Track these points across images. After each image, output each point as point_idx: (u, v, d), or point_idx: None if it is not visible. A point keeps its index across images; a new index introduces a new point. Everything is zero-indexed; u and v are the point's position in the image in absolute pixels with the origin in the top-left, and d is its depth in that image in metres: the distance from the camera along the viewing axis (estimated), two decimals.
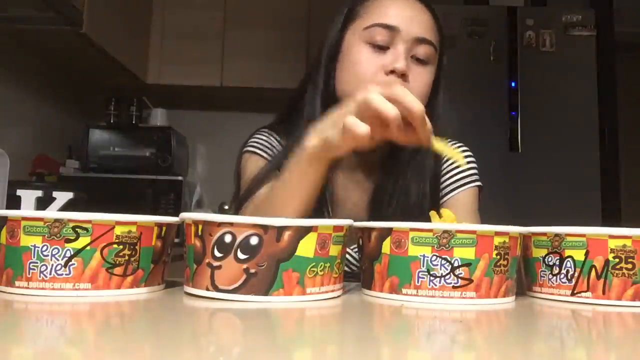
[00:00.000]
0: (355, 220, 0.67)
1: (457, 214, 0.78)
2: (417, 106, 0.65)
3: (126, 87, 2.66)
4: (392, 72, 0.83)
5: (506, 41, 2.38)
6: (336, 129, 0.68)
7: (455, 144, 0.99)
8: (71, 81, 2.58)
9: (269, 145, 0.97)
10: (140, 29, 2.56)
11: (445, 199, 0.94)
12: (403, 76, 0.84)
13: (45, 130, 2.44)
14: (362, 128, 0.65)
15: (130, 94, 2.67)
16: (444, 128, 0.90)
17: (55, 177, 2.30)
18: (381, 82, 0.82)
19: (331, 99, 0.88)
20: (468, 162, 0.97)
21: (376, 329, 0.51)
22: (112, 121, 2.60)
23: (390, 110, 0.64)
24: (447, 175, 0.96)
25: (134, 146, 2.50)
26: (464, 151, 0.99)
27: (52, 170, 2.32)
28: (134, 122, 2.64)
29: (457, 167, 0.96)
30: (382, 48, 0.85)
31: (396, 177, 0.91)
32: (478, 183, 0.97)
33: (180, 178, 2.44)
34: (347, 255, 0.93)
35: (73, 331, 0.45)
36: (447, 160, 0.96)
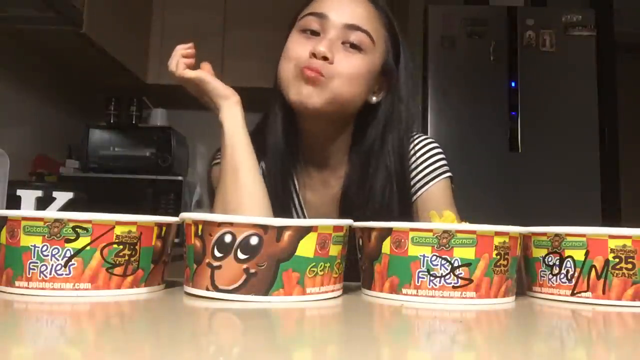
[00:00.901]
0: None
1: (432, 208, 0.83)
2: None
3: (126, 87, 2.66)
4: (314, 55, 0.84)
5: (506, 41, 2.38)
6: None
7: (420, 136, 0.98)
8: (71, 81, 2.58)
9: None
10: (140, 29, 2.55)
11: (418, 194, 0.94)
12: (325, 59, 0.84)
13: (45, 130, 2.44)
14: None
15: (130, 94, 2.67)
16: (408, 123, 0.93)
17: (55, 177, 2.30)
18: (303, 61, 0.85)
19: (286, 110, 0.92)
20: (436, 154, 0.96)
21: (376, 329, 0.51)
22: (112, 121, 2.60)
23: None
24: (417, 171, 0.95)
25: (134, 146, 2.50)
26: (429, 143, 0.97)
27: (52, 170, 2.31)
28: (134, 122, 2.64)
29: (425, 161, 0.95)
30: (314, 34, 0.88)
31: (361, 177, 0.91)
32: (448, 174, 0.96)
33: (180, 178, 2.43)
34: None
35: (73, 331, 0.45)
36: (412, 156, 0.96)
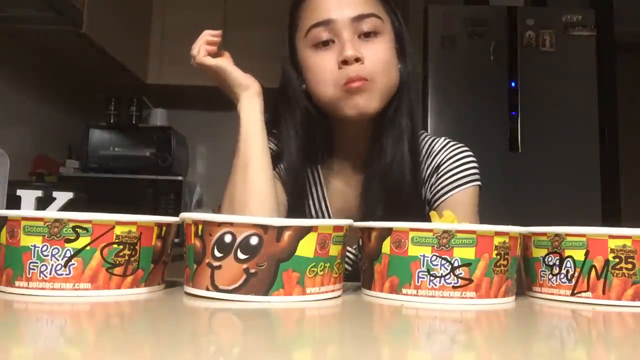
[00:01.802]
0: (350, 216, 0.71)
1: (456, 213, 0.78)
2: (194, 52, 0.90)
3: (126, 87, 2.66)
4: (345, 62, 0.83)
5: (506, 41, 2.38)
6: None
7: (455, 144, 0.98)
8: (71, 81, 2.58)
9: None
10: (140, 29, 2.55)
11: (445, 197, 0.93)
12: (357, 60, 0.83)
13: (45, 130, 2.44)
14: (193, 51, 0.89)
15: (130, 94, 2.67)
16: (414, 96, 0.91)
17: (55, 177, 2.30)
18: (342, 77, 0.83)
19: (314, 117, 0.90)
20: (469, 162, 0.96)
21: (376, 329, 0.51)
22: (112, 121, 2.60)
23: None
24: (448, 174, 0.94)
25: (134, 146, 2.50)
26: (464, 151, 0.97)
27: (52, 170, 2.31)
28: (134, 122, 2.64)
29: (458, 166, 0.94)
30: (327, 44, 0.86)
31: (380, 172, 0.90)
32: (478, 183, 0.95)
33: (180, 178, 2.43)
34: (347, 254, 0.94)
35: (73, 331, 0.45)
36: (446, 159, 0.95)
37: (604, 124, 2.49)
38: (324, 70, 0.85)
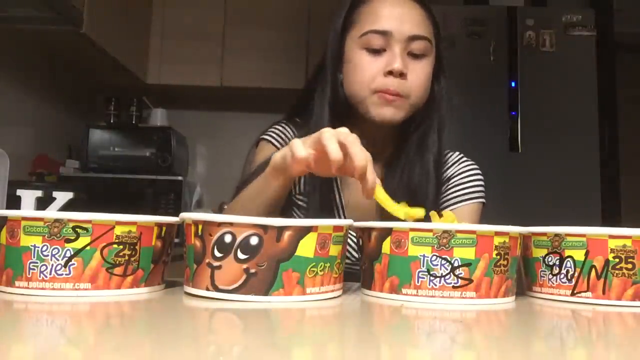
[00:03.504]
0: (367, 219, 0.74)
1: None
2: (359, 160, 0.68)
3: (126, 87, 2.66)
4: (390, 72, 0.89)
5: (506, 41, 2.38)
6: (290, 151, 0.73)
7: (467, 160, 1.03)
8: (71, 81, 2.58)
9: (284, 137, 1.00)
10: (140, 29, 2.55)
11: (450, 209, 0.96)
12: (401, 75, 0.89)
13: (45, 130, 2.44)
14: (301, 152, 0.71)
15: (130, 94, 2.67)
16: (445, 113, 0.96)
17: (55, 177, 2.30)
18: (381, 84, 0.89)
19: (339, 104, 0.94)
20: (478, 179, 1.00)
21: (376, 329, 0.51)
22: (112, 121, 2.60)
23: (333, 152, 0.68)
24: (456, 188, 0.99)
25: (134, 146, 2.50)
26: (474, 168, 1.02)
27: (52, 170, 2.31)
28: (134, 122, 2.64)
29: (468, 182, 0.99)
30: (378, 51, 0.90)
31: (400, 174, 0.94)
32: (483, 200, 1.00)
33: (180, 178, 2.43)
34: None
35: (73, 331, 0.45)
36: (457, 173, 1.00)
37: (604, 124, 2.49)
38: (366, 73, 0.90)
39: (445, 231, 0.60)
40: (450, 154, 1.03)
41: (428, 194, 0.92)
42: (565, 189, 2.30)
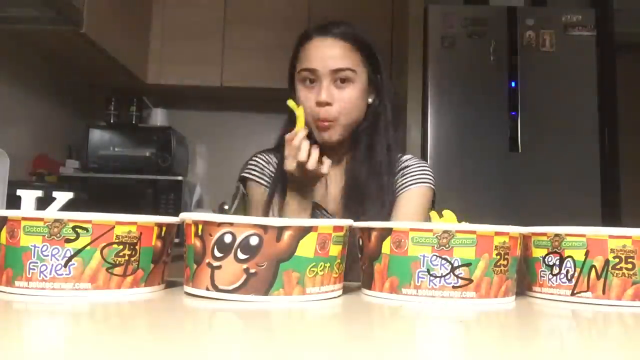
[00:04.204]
0: (332, 209, 1.11)
1: (409, 203, 1.13)
2: (288, 165, 1.02)
3: (126, 87, 2.66)
4: (319, 104, 1.08)
5: (506, 41, 2.38)
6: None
7: (415, 159, 1.20)
8: (71, 81, 2.58)
9: (263, 168, 1.20)
10: (140, 29, 2.55)
11: (405, 189, 1.14)
12: (328, 104, 1.08)
13: (45, 130, 2.44)
14: (323, 169, 1.03)
15: (130, 94, 2.67)
16: (389, 119, 1.15)
17: (55, 177, 2.30)
18: (316, 114, 1.09)
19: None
20: (428, 171, 1.18)
21: (376, 329, 0.51)
22: (112, 121, 2.60)
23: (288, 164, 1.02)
24: (410, 174, 1.16)
25: (134, 146, 2.50)
26: (425, 164, 1.21)
27: (52, 170, 2.31)
28: (134, 122, 2.64)
29: (419, 170, 1.17)
30: (312, 82, 1.11)
31: (350, 174, 1.13)
32: (432, 186, 1.17)
33: (180, 178, 2.43)
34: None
35: (73, 331, 0.45)
36: (411, 165, 1.18)
37: (604, 124, 2.48)
38: (306, 104, 1.10)
39: (445, 231, 0.60)
40: (404, 155, 1.21)
41: (371, 189, 1.11)
42: (565, 189, 2.30)
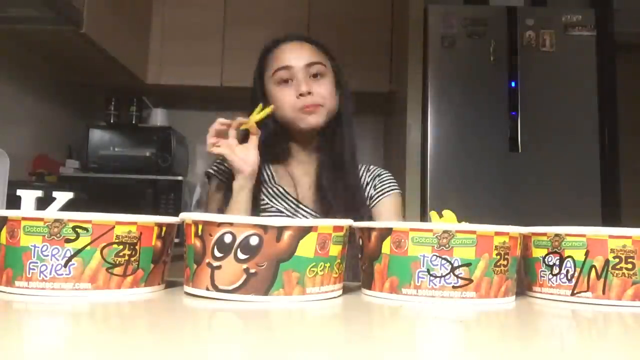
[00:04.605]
0: (306, 201, 1.20)
1: (383, 215, 1.22)
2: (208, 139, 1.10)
3: (126, 87, 2.66)
4: (301, 94, 1.15)
5: (506, 41, 2.38)
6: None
7: (371, 167, 1.30)
8: (71, 81, 2.58)
9: (226, 168, 1.24)
10: (140, 29, 2.55)
11: (388, 193, 1.24)
12: (309, 93, 1.15)
13: (45, 130, 2.44)
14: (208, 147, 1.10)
15: (130, 94, 2.67)
16: (348, 106, 1.24)
17: (55, 177, 2.30)
18: (299, 104, 1.15)
19: (280, 128, 1.21)
20: (391, 177, 1.29)
21: (376, 329, 0.51)
22: (112, 121, 2.60)
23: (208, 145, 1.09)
24: (388, 181, 1.27)
25: (134, 146, 2.50)
26: (385, 170, 1.31)
27: (52, 170, 2.31)
28: (134, 122, 2.64)
29: (392, 178, 1.28)
30: (287, 81, 1.18)
31: (324, 169, 1.20)
32: (399, 190, 1.28)
33: (180, 178, 2.43)
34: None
35: (73, 331, 0.45)
36: (384, 172, 1.29)
37: (604, 124, 2.48)
38: (284, 100, 1.17)
39: (445, 231, 0.60)
40: (361, 166, 1.29)
41: (335, 182, 1.18)
42: (565, 189, 2.30)
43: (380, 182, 1.27)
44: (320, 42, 1.27)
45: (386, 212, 1.23)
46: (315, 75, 1.19)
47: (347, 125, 1.25)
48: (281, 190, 1.22)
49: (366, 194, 1.26)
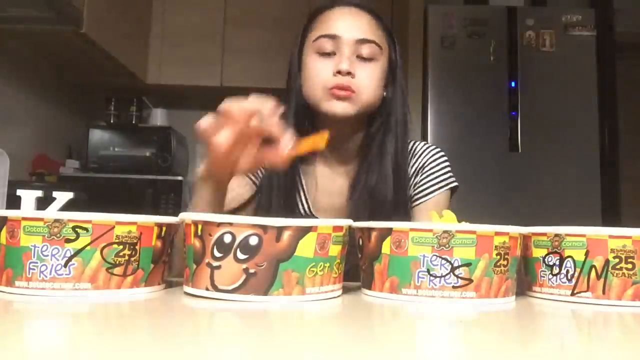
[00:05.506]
0: (335, 210, 0.96)
1: (427, 217, 0.95)
2: (249, 103, 0.72)
3: (126, 87, 2.66)
4: (339, 72, 0.93)
5: (506, 41, 2.38)
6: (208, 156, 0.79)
7: (435, 147, 1.07)
8: (71, 81, 2.58)
9: None
10: (140, 29, 2.56)
11: (420, 201, 1.02)
12: (349, 74, 0.93)
13: (45, 130, 2.44)
14: (219, 138, 0.74)
15: (130, 94, 2.67)
16: (401, 119, 1.01)
17: (55, 177, 2.30)
18: (332, 82, 0.93)
19: (301, 110, 0.99)
20: (447, 165, 1.05)
21: (376, 329, 0.51)
22: (112, 121, 2.61)
23: (233, 107, 0.72)
24: (432, 176, 1.03)
25: (134, 146, 2.50)
26: (443, 155, 1.06)
27: (52, 170, 2.32)
28: (134, 122, 2.64)
29: (440, 169, 1.04)
30: (329, 54, 0.96)
31: (363, 182, 0.99)
32: (452, 185, 1.04)
33: (180, 178, 2.44)
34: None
35: (73, 331, 0.45)
36: (430, 162, 1.04)
37: (604, 124, 2.49)
38: (318, 75, 0.95)
39: (445, 231, 0.60)
40: (417, 142, 1.08)
41: (387, 195, 0.97)
42: (565, 189, 2.30)
43: (422, 180, 1.03)
44: (383, 17, 1.02)
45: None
46: (363, 58, 0.95)
47: (398, 135, 0.99)
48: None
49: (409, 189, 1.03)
